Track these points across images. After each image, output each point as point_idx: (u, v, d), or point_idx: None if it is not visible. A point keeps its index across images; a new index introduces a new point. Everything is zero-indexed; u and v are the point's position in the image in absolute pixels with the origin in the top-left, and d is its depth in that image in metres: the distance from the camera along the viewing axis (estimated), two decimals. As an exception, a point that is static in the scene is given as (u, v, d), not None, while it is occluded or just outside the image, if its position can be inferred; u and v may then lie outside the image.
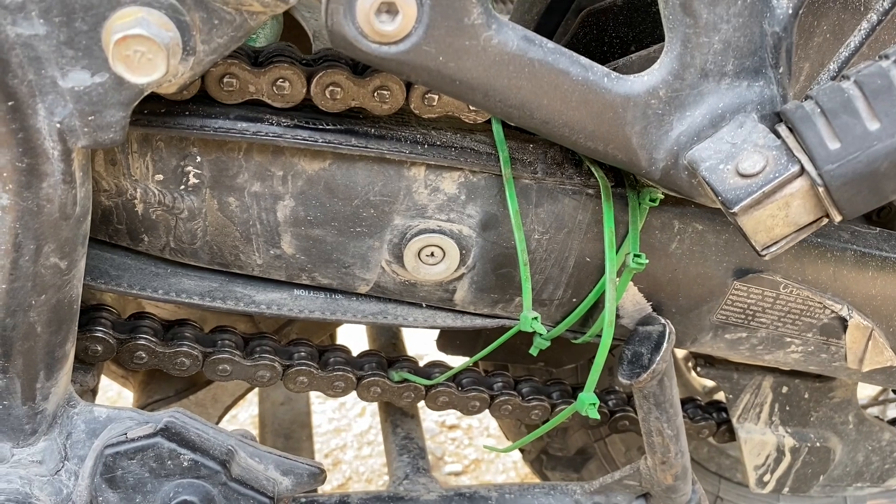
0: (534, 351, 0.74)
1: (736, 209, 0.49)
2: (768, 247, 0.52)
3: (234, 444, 0.63)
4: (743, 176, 0.50)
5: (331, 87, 0.57)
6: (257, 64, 0.56)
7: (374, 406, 1.71)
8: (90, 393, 0.72)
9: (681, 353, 1.31)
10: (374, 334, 1.03)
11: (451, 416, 1.72)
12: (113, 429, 0.62)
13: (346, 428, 1.68)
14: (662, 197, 0.63)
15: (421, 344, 1.67)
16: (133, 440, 0.60)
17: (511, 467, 1.59)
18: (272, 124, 0.57)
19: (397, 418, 0.92)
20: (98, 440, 0.62)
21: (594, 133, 0.52)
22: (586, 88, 0.50)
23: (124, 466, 0.60)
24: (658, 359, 0.65)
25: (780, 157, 0.49)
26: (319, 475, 0.66)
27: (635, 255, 0.63)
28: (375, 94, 0.57)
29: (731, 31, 0.50)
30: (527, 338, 0.76)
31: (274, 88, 0.56)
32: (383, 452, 1.57)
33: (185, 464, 0.60)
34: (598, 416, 0.66)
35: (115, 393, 1.63)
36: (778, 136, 0.51)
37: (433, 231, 0.63)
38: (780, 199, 0.49)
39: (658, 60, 0.51)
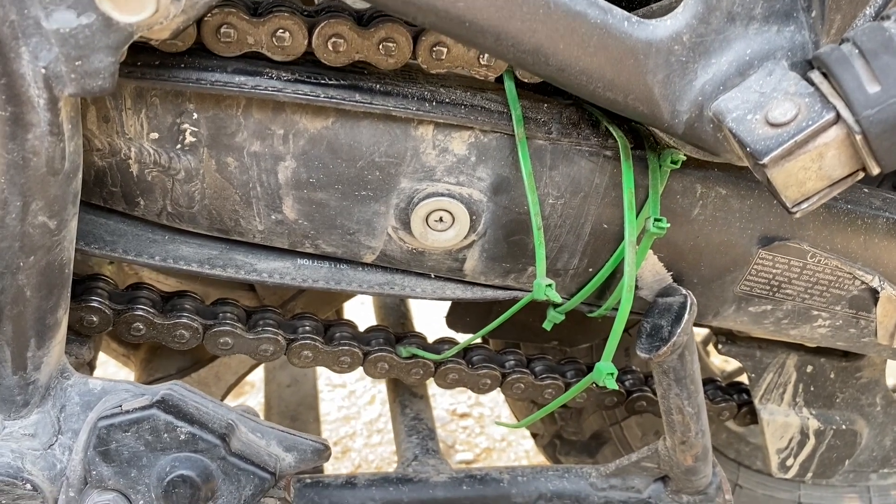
0: (547, 325, 0.71)
1: (766, 160, 0.46)
2: (799, 203, 0.48)
3: (235, 418, 0.61)
4: (773, 125, 0.47)
5: (333, 39, 0.54)
6: (256, 14, 0.53)
7: (384, 394, 1.68)
8: (86, 367, 0.69)
9: (699, 335, 1.27)
10: (381, 313, 1.00)
11: (462, 404, 1.69)
12: (108, 401, 0.60)
13: (355, 416, 1.66)
14: (684, 159, 0.60)
15: (427, 326, 1.64)
16: (128, 412, 0.57)
17: (523, 456, 1.56)
18: (272, 78, 0.55)
19: (406, 399, 0.90)
20: (92, 412, 0.59)
21: (613, 82, 0.49)
22: (605, 32, 0.47)
23: (119, 439, 0.57)
24: (679, 331, 0.62)
25: (813, 104, 0.46)
26: (324, 451, 0.63)
27: (656, 220, 0.60)
28: (380, 46, 0.54)
29: (760, -29, 0.46)
30: (539, 315, 0.73)
31: (273, 40, 0.53)
32: (392, 441, 1.54)
33: (183, 437, 0.57)
34: (616, 387, 0.63)
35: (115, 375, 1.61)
36: (811, 83, 0.47)
37: (442, 195, 0.60)
38: (814, 149, 0.46)
39: (682, 3, 0.48)
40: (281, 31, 0.53)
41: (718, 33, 0.48)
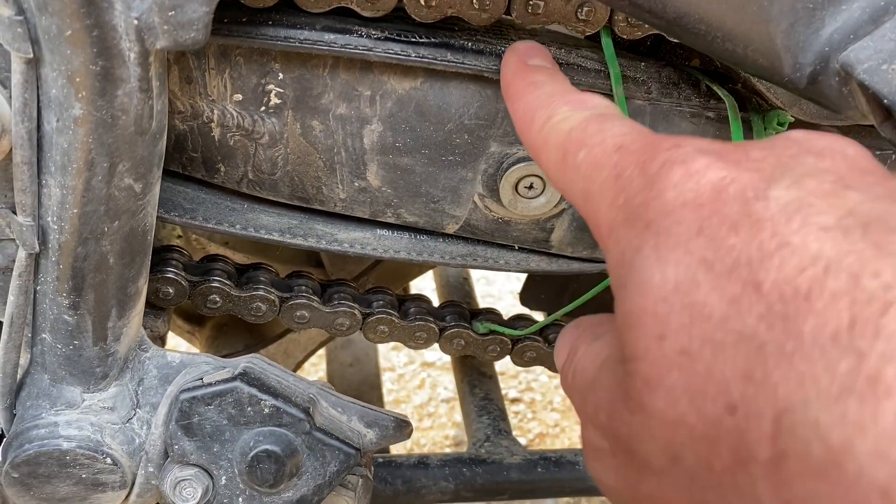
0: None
1: (907, 113, 0.42)
2: (938, 161, 0.44)
3: (316, 392, 0.59)
4: (914, 75, 0.43)
5: (426, -8, 0.51)
6: None
7: (434, 378, 1.66)
8: (160, 340, 0.68)
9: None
10: (444, 292, 0.98)
11: (513, 389, 1.67)
12: (187, 373, 0.58)
13: (405, 399, 1.64)
14: (792, 120, 0.56)
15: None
16: (210, 385, 0.56)
17: (577, 442, 1.53)
18: (361, 36, 0.52)
19: (474, 378, 0.87)
20: (172, 385, 0.58)
21: (733, 32, 0.46)
22: (728, -25, 0.44)
23: (201, 413, 0.55)
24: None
25: (961, 50, 0.42)
26: (406, 427, 0.61)
27: (762, 185, 0.56)
28: (474, 0, 0.51)
29: None
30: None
31: (364, -6, 0.50)
32: (444, 425, 1.53)
33: (266, 410, 0.55)
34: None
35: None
36: (954, 29, 0.43)
37: (533, 159, 0.57)
38: (961, 100, 0.42)
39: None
40: None
41: (850, -24, 0.45)
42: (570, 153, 0.38)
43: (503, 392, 1.67)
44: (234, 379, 0.55)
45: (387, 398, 1.64)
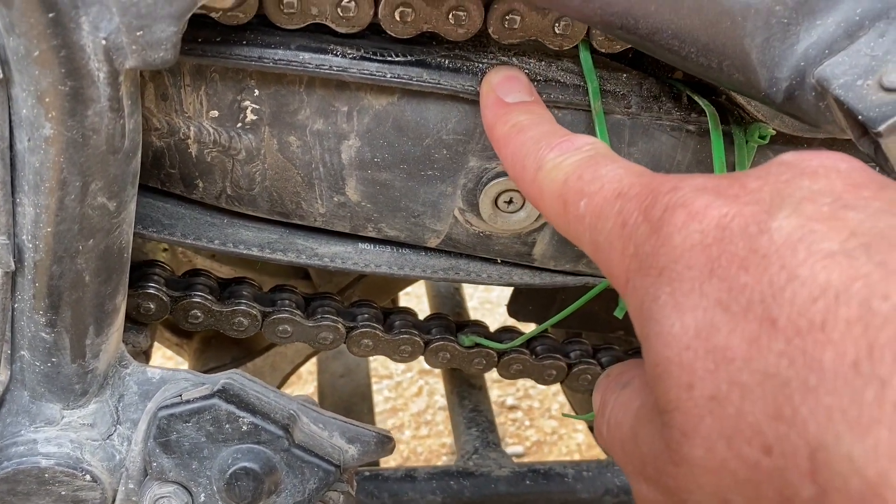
0: (619, 313, 0.67)
1: (881, 128, 0.42)
2: (915, 177, 0.44)
3: (296, 408, 0.58)
4: (888, 90, 0.42)
5: (401, 9, 0.50)
6: None
7: (431, 386, 1.66)
8: (143, 356, 0.68)
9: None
10: (436, 302, 0.98)
11: (511, 396, 1.66)
12: (167, 390, 0.58)
13: (402, 407, 1.64)
14: (773, 133, 0.56)
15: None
16: (188, 402, 0.55)
17: (575, 449, 1.52)
18: (337, 55, 0.52)
19: (464, 390, 0.87)
20: (151, 402, 0.57)
21: (708, 46, 0.45)
22: (701, -8, 0.43)
23: (179, 430, 0.55)
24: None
25: (935, 66, 0.42)
26: (388, 443, 0.61)
27: (743, 199, 0.55)
28: (450, 15, 0.51)
29: (873, -79, 0.42)
30: (604, 302, 0.69)
31: (338, 10, 0.50)
32: (441, 433, 1.52)
33: (245, 428, 0.55)
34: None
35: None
36: (929, 44, 0.43)
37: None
38: (936, 116, 0.42)
39: (784, -41, 0.44)
40: (347, 0, 0.50)
41: (825, -9, 0.44)
42: (570, 204, 0.38)
43: (501, 399, 1.67)
44: (212, 396, 0.55)
45: (384, 406, 1.63)
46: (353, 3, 0.50)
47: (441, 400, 1.61)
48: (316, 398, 1.03)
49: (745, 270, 0.28)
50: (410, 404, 1.63)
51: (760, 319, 0.27)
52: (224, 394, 0.55)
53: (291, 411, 0.57)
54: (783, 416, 0.26)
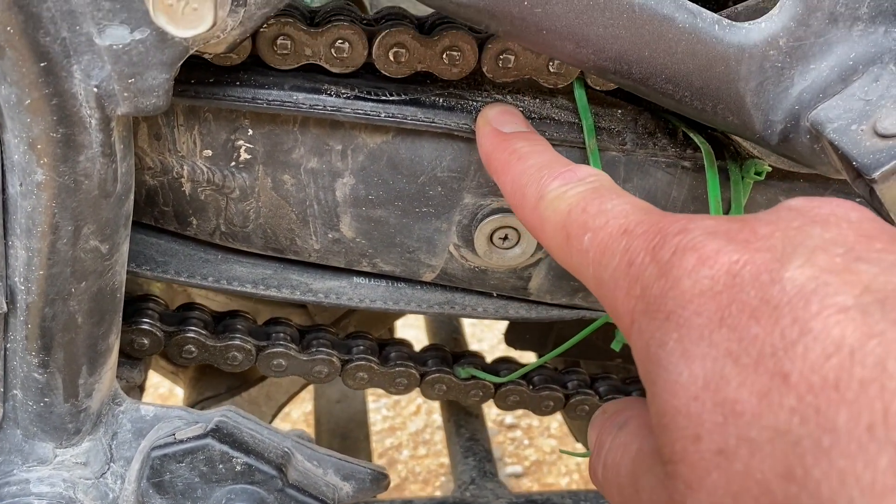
0: (616, 345, 0.67)
1: (875, 175, 0.42)
2: (910, 221, 0.44)
3: (291, 445, 0.58)
4: (882, 136, 0.42)
5: (395, 49, 0.50)
6: (314, 24, 0.50)
7: (429, 404, 1.65)
8: (137, 389, 0.67)
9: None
10: (433, 329, 0.97)
11: (510, 414, 1.66)
12: (160, 429, 0.57)
13: (400, 427, 1.63)
14: (769, 170, 0.56)
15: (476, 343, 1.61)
16: (181, 441, 0.55)
17: (574, 469, 1.52)
18: (331, 95, 0.52)
19: (461, 418, 0.86)
20: (145, 441, 0.57)
21: (702, 91, 0.45)
22: (694, 38, 0.43)
23: (173, 470, 0.55)
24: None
25: (930, 112, 0.42)
26: (383, 480, 0.60)
27: (738, 236, 0.55)
28: (444, 55, 0.51)
29: (866, -34, 0.42)
30: (602, 332, 0.69)
31: (332, 51, 0.50)
32: (439, 452, 1.52)
33: (238, 468, 0.55)
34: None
35: (167, 390, 1.60)
36: (924, 89, 0.43)
37: (507, 211, 0.56)
38: (931, 162, 0.41)
39: (777, 4, 0.44)
40: (340, 41, 0.50)
41: (819, 36, 0.44)
42: (573, 237, 0.38)
43: (500, 418, 1.66)
44: (205, 436, 0.55)
45: (382, 425, 1.63)
46: (346, 43, 0.50)
47: (439, 419, 1.60)
48: (310, 423, 1.03)
49: (757, 321, 0.28)
50: (409, 423, 1.62)
51: (772, 373, 0.27)
52: (218, 433, 0.55)
53: (286, 449, 0.57)
54: (794, 476, 0.25)
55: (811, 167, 0.49)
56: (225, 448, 0.54)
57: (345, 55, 0.50)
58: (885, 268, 0.27)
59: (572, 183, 0.40)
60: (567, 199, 0.39)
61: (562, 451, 0.56)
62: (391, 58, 0.51)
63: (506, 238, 0.57)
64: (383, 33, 0.50)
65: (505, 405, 0.73)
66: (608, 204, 0.37)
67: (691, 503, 0.29)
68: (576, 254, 0.38)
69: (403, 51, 0.51)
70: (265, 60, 0.50)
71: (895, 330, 0.25)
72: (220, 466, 0.55)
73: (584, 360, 0.89)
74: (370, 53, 0.51)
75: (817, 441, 0.25)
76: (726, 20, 0.44)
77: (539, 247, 0.58)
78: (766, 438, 0.26)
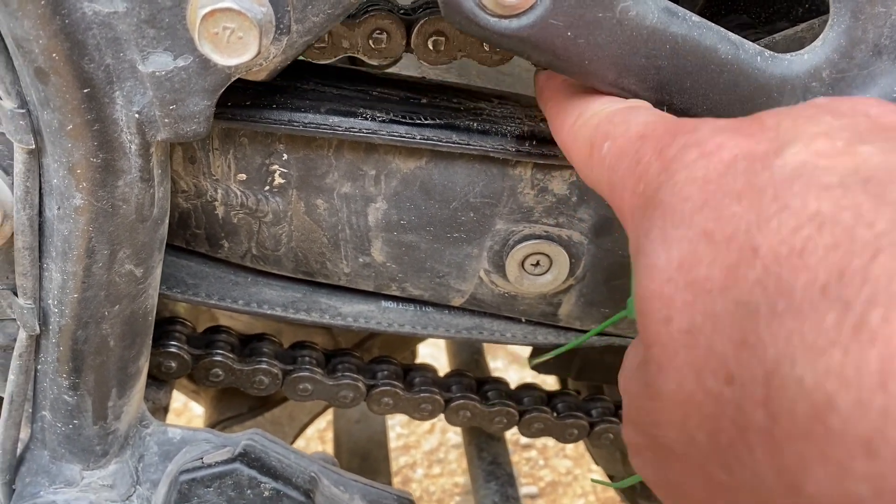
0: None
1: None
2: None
3: (317, 470, 0.58)
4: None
5: (434, 37, 0.50)
6: (350, 15, 0.50)
7: (444, 423, 1.64)
8: (162, 410, 0.67)
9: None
10: (454, 351, 0.97)
11: (525, 435, 1.65)
12: (188, 452, 0.57)
13: (414, 445, 1.62)
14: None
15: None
16: (210, 466, 0.55)
17: (590, 490, 1.50)
18: (366, 119, 0.51)
19: (482, 441, 0.86)
20: (172, 464, 0.57)
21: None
22: (737, 69, 0.43)
23: (200, 495, 0.54)
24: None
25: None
26: (409, 507, 0.60)
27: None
28: (484, 42, 0.51)
29: (912, -1, 0.42)
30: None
31: (370, 42, 0.50)
32: (454, 472, 1.51)
33: (266, 493, 0.54)
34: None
35: (181, 404, 1.60)
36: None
37: (540, 237, 0.56)
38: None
39: (821, 36, 0.44)
40: (378, 31, 0.50)
41: (862, 68, 0.44)
42: (596, 147, 0.37)
43: (515, 437, 1.65)
44: (234, 460, 0.54)
45: (396, 443, 1.62)
46: (384, 34, 0.50)
47: (454, 437, 1.59)
48: (326, 440, 1.02)
49: (738, 201, 0.27)
50: (423, 442, 1.61)
51: (741, 248, 0.26)
52: (246, 457, 0.54)
53: (313, 473, 0.56)
54: (747, 342, 0.24)
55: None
56: (253, 473, 0.54)
57: (383, 45, 0.50)
58: (885, 149, 0.26)
59: (612, 103, 0.40)
60: (600, 115, 0.39)
61: (594, 481, 0.55)
62: (430, 46, 0.51)
63: (538, 264, 0.57)
64: (422, 21, 0.50)
65: (529, 432, 0.73)
66: (634, 114, 0.37)
67: (661, 383, 0.28)
68: (596, 164, 0.37)
69: (443, 39, 0.50)
70: (305, 56, 0.50)
71: (872, 202, 0.23)
72: (248, 491, 0.54)
73: (608, 385, 0.89)
74: (408, 43, 0.51)
75: (772, 306, 0.24)
76: (768, 52, 0.44)
77: (571, 273, 0.58)
78: (728, 311, 0.25)
